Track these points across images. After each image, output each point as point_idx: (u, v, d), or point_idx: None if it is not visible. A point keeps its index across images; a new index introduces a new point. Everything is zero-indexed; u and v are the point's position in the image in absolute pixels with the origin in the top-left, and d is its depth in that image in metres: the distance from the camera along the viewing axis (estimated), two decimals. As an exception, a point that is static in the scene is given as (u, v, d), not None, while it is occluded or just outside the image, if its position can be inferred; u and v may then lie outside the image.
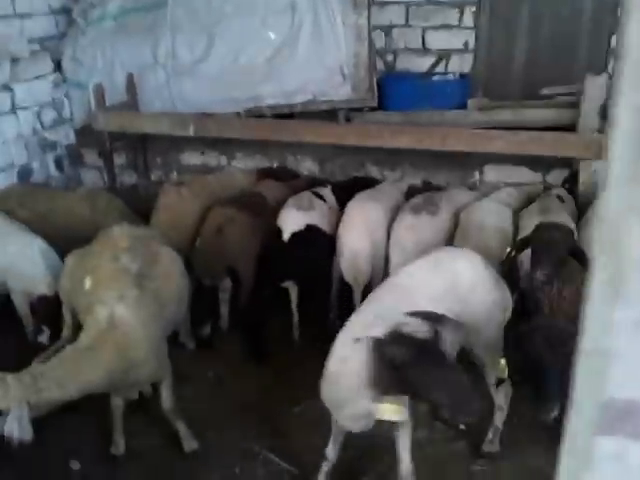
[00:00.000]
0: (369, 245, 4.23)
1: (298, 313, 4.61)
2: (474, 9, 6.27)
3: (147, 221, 4.71)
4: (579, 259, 3.19)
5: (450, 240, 4.36)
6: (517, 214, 4.52)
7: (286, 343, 4.60)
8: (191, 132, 5.50)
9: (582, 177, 5.00)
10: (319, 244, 4.41)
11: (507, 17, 6.24)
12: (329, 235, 4.45)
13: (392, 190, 4.91)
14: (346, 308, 4.43)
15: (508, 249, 3.57)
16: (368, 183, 5.42)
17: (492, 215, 4.24)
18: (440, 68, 6.50)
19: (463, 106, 5.94)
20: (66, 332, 3.79)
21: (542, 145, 4.97)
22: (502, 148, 5.03)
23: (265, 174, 5.52)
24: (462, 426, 3.59)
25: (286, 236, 4.32)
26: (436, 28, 6.44)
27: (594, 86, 5.19)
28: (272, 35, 5.96)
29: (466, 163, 5.63)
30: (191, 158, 6.46)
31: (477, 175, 5.68)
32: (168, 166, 6.54)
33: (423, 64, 6.55)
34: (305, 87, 5.90)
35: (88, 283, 3.31)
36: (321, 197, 4.71)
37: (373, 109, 5.91)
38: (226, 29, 6.05)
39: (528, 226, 4.13)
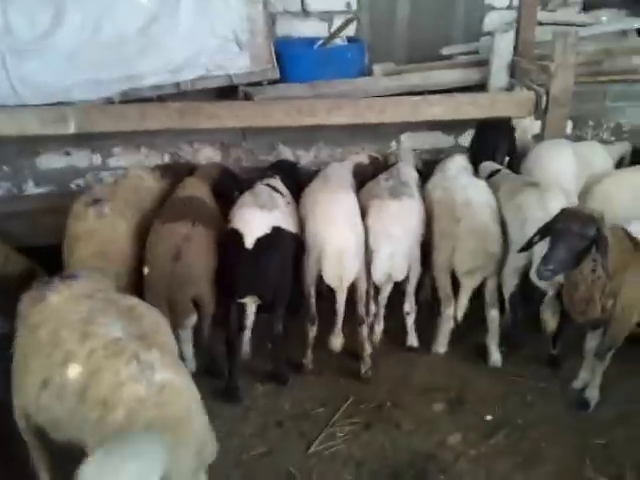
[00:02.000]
0: (354, 240, 3.55)
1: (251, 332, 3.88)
2: (354, -33, 5.71)
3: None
4: (598, 246, 2.97)
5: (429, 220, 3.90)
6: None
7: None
8: (72, 129, 4.16)
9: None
10: (287, 249, 3.60)
11: (388, -24, 5.79)
12: (294, 236, 3.67)
13: (344, 172, 4.22)
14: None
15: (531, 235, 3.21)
16: (293, 167, 4.69)
17: (475, 190, 3.84)
18: (323, 32, 5.85)
19: (363, 72, 5.43)
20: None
21: (478, 107, 4.68)
22: (441, 114, 4.62)
23: (172, 171, 4.41)
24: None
25: (250, 242, 3.43)
26: (316, -12, 5.74)
27: (502, 43, 5.03)
28: (142, 0, 4.76)
29: (382, 133, 5.16)
30: (51, 161, 4.97)
31: (394, 144, 5.24)
32: (20, 175, 4.97)
33: (304, 29, 5.82)
34: (195, 60, 4.81)
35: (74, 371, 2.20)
36: (277, 190, 3.86)
37: (273, 82, 5.10)
38: (79, -6, 4.68)
39: (512, 196, 3.84)
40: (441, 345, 4.00)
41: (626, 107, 5.33)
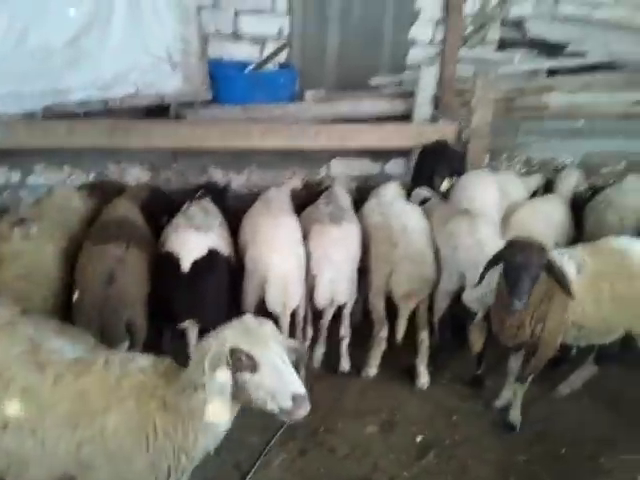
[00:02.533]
0: (297, 266, 3.56)
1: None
2: (287, -6, 5.78)
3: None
4: (555, 276, 3.14)
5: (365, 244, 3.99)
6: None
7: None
8: (-7, 143, 3.92)
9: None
10: (223, 271, 3.55)
11: (320, 4, 5.89)
12: (228, 258, 3.63)
13: (283, 197, 4.22)
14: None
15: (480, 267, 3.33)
16: (222, 189, 4.65)
17: (411, 217, 3.97)
18: (255, 56, 5.87)
19: (293, 97, 5.49)
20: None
21: (405, 137, 4.86)
22: (369, 141, 4.77)
23: (99, 190, 4.23)
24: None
25: (186, 265, 3.35)
26: (248, 12, 5.76)
27: (428, 76, 5.26)
28: (72, 11, 4.57)
29: (313, 158, 5.21)
30: (-38, 179, 4.66)
31: (324, 170, 5.31)
32: None
33: (236, 51, 5.82)
34: (125, 77, 4.70)
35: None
36: (208, 212, 3.79)
37: (206, 103, 5.04)
38: (4, 1, 4.43)
39: (444, 223, 4.01)
40: (372, 368, 4.07)
41: (535, 142, 5.70)
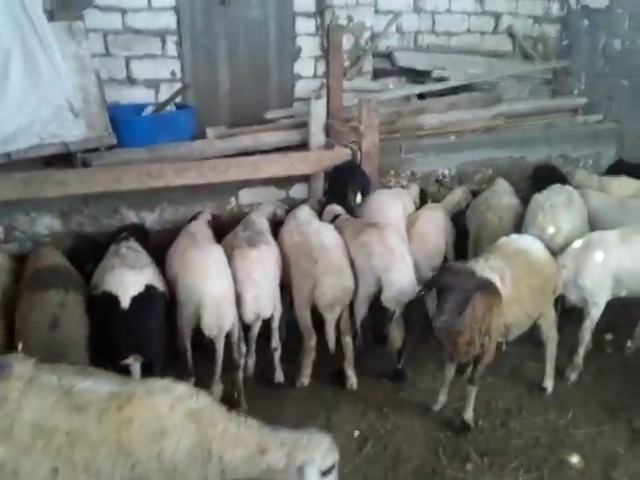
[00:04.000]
0: (229, 289, 3.81)
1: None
2: (175, 39, 6.03)
3: None
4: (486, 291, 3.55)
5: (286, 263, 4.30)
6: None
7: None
8: None
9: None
10: (161, 305, 3.71)
11: (208, 47, 6.19)
12: (163, 293, 3.80)
13: (204, 228, 4.44)
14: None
15: (418, 289, 3.78)
16: (143, 229, 4.79)
17: (327, 233, 4.34)
18: (150, 98, 6.04)
19: (194, 136, 5.72)
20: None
21: (308, 164, 5.27)
22: (277, 171, 5.12)
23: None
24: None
25: (125, 303, 3.49)
26: (140, 57, 5.94)
27: (318, 107, 5.71)
28: (-36, 70, 4.52)
29: (222, 191, 5.43)
30: None
31: (234, 200, 5.58)
32: None
33: (131, 95, 5.96)
34: (28, 130, 4.67)
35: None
36: (137, 252, 3.93)
37: (109, 147, 5.14)
38: None
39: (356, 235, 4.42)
40: (305, 377, 4.37)
41: (416, 158, 6.34)
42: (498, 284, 3.71)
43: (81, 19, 5.06)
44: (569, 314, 4.65)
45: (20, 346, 3.22)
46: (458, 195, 5.71)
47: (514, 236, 4.34)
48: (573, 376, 4.53)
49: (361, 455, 3.84)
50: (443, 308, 3.34)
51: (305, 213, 4.66)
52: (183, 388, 2.55)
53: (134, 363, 3.67)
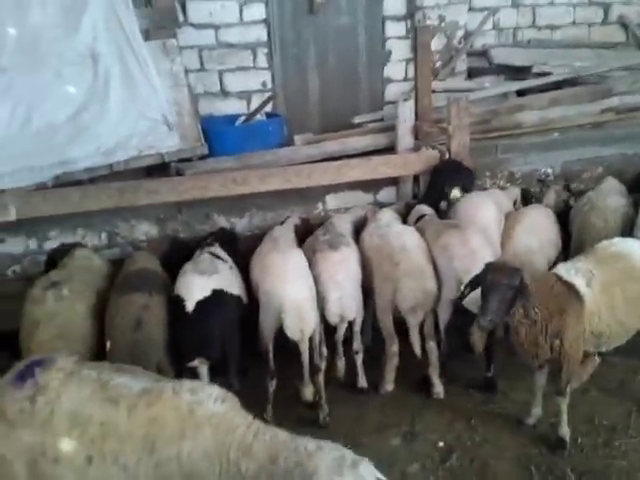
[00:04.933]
0: (309, 293, 3.83)
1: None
2: (266, 51, 6.23)
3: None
4: (523, 294, 3.32)
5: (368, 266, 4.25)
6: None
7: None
8: (12, 216, 4.22)
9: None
10: (229, 309, 3.79)
11: (297, 56, 6.35)
12: (237, 297, 3.90)
13: (288, 233, 4.53)
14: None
15: (462, 287, 3.60)
16: (233, 235, 4.94)
17: (408, 236, 4.26)
18: (243, 109, 6.28)
19: (283, 143, 5.85)
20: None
21: (392, 167, 5.20)
22: (360, 175, 5.11)
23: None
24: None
25: (190, 306, 3.61)
26: (232, 70, 6.20)
27: (406, 110, 5.63)
28: (71, 89, 4.96)
29: (309, 196, 5.50)
30: (-19, 250, 4.94)
31: (321, 205, 5.62)
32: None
33: (225, 107, 6.24)
34: (127, 143, 5.03)
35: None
36: (218, 257, 4.09)
37: (202, 157, 5.40)
38: (8, 87, 4.81)
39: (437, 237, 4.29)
40: (388, 383, 4.27)
41: (515, 157, 6.04)
42: (582, 288, 3.46)
43: (174, 37, 5.35)
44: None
45: (108, 345, 3.45)
46: (552, 197, 5.39)
47: (617, 239, 3.98)
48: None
49: (444, 467, 3.67)
50: (487, 307, 3.22)
51: (386, 216, 4.60)
52: (211, 390, 2.53)
53: (200, 366, 3.75)
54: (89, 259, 4.14)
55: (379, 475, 2.25)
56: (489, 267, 3.44)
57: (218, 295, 3.72)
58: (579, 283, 3.48)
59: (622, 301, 3.56)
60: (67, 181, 4.85)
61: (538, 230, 4.62)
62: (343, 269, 4.01)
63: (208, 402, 2.46)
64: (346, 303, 4.00)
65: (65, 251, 4.27)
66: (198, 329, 3.60)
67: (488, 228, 4.53)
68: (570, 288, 3.47)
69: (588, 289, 3.48)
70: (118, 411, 2.44)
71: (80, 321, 3.56)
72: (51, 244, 5.00)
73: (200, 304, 3.63)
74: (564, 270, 3.57)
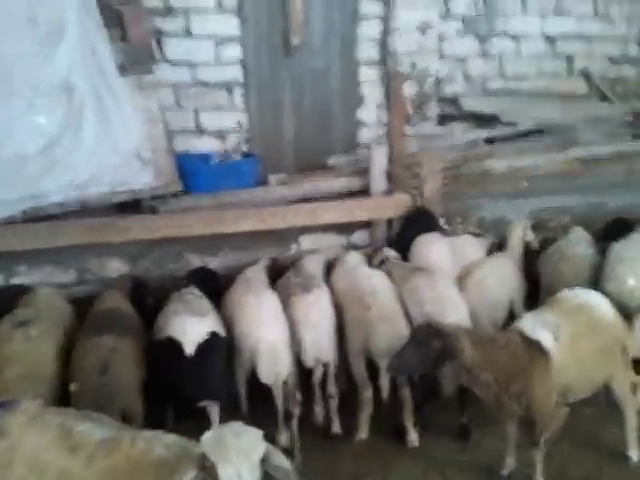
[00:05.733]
0: (283, 336, 3.79)
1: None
2: (242, 91, 6.27)
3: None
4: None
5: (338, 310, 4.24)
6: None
7: None
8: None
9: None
10: (223, 351, 3.73)
11: (273, 97, 6.40)
12: (227, 338, 3.83)
13: (261, 274, 4.50)
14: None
15: None
16: (212, 274, 4.88)
17: (378, 279, 4.28)
18: (217, 147, 6.27)
19: (258, 182, 5.85)
20: None
21: (365, 210, 5.26)
22: (334, 217, 5.14)
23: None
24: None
25: (190, 349, 3.52)
26: (208, 109, 6.20)
27: (379, 154, 5.73)
28: (43, 120, 4.87)
29: (283, 236, 5.50)
30: (-52, 286, 4.73)
31: (295, 246, 5.61)
32: None
33: (200, 144, 6.21)
34: (99, 178, 4.95)
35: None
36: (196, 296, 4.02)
37: (176, 194, 5.34)
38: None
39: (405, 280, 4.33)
40: (362, 431, 4.21)
41: (485, 204, 6.19)
42: (548, 343, 3.41)
43: (151, 73, 5.33)
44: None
45: (73, 387, 3.32)
46: (517, 234, 5.32)
47: (579, 290, 3.98)
48: None
49: (419, 520, 3.60)
50: (396, 354, 3.38)
51: (352, 259, 4.64)
52: (167, 438, 2.43)
53: (210, 407, 3.66)
54: (54, 298, 4.02)
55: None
56: (423, 323, 3.57)
57: (214, 337, 3.66)
58: (545, 338, 3.43)
59: (589, 353, 3.56)
60: (37, 216, 4.74)
61: (486, 288, 4.62)
62: (317, 311, 4.00)
63: (159, 449, 2.36)
64: (322, 345, 3.98)
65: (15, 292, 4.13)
66: (201, 373, 3.50)
67: (439, 269, 4.57)
68: (533, 346, 3.41)
69: (556, 342, 3.44)
70: (76, 460, 2.34)
71: (47, 362, 3.45)
72: (19, 279, 4.85)
73: (200, 347, 3.54)
74: (529, 326, 3.51)
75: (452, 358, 3.31)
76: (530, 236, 5.42)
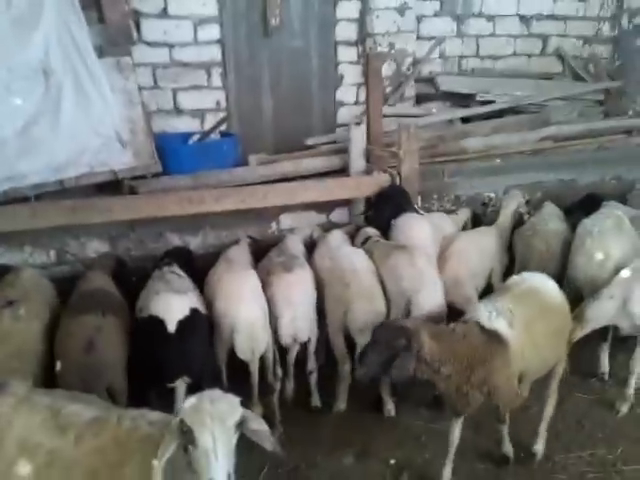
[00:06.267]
0: (261, 314, 3.88)
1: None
2: (221, 70, 6.28)
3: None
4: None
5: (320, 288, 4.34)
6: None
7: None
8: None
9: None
10: (205, 328, 3.81)
11: (252, 77, 6.42)
12: (206, 315, 3.91)
13: (243, 254, 4.57)
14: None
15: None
16: (188, 252, 4.94)
17: (358, 257, 4.38)
18: (196, 127, 6.30)
19: (237, 162, 5.90)
20: None
21: (345, 189, 5.34)
22: (314, 196, 5.21)
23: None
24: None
25: (172, 327, 3.57)
26: (186, 89, 6.21)
27: (358, 134, 5.80)
28: (20, 102, 4.85)
29: (263, 216, 5.56)
30: None
31: (274, 225, 5.69)
32: None
33: (178, 124, 6.24)
34: (79, 159, 4.95)
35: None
36: (179, 275, 4.09)
37: (155, 174, 5.37)
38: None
39: (385, 258, 4.43)
40: (341, 402, 4.36)
41: (460, 181, 6.31)
42: (505, 331, 3.40)
43: (129, 55, 5.33)
44: (622, 343, 4.47)
45: (58, 366, 3.38)
46: (511, 208, 5.52)
47: (525, 275, 3.95)
48: (624, 409, 4.34)
49: (396, 484, 3.77)
50: (363, 361, 3.36)
51: (336, 237, 4.73)
52: (153, 416, 2.50)
53: (180, 385, 3.71)
54: (38, 278, 4.05)
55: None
56: (381, 325, 3.60)
57: (195, 314, 3.72)
58: (501, 326, 3.42)
59: (543, 336, 3.56)
60: (15, 197, 4.74)
61: (469, 258, 4.80)
62: (297, 291, 4.09)
63: (145, 427, 2.44)
64: (299, 325, 4.08)
65: None
66: (182, 349, 3.57)
67: (424, 248, 4.69)
68: (491, 335, 3.40)
69: (511, 330, 3.42)
70: (66, 440, 2.42)
71: (35, 341, 3.50)
72: None
73: (181, 324, 3.60)
74: (485, 316, 3.47)
75: (413, 353, 3.25)
76: (524, 208, 5.60)
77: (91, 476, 2.36)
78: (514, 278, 3.94)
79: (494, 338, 3.39)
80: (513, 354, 3.40)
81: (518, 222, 5.55)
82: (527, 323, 3.51)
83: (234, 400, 2.33)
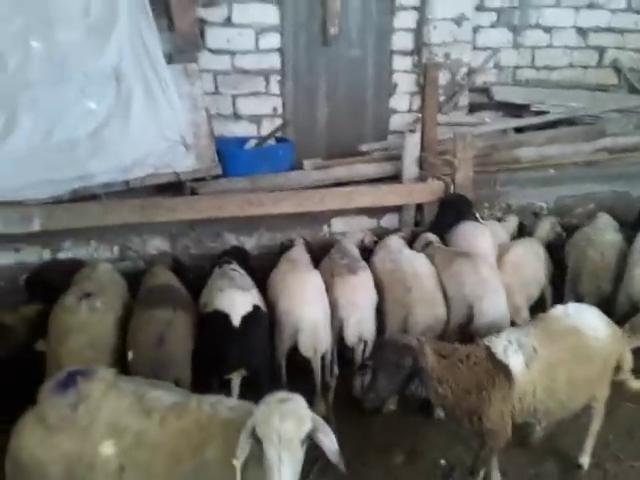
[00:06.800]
0: (324, 314, 4.00)
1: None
2: (279, 78, 6.49)
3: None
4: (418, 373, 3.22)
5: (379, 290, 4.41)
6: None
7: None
8: (37, 227, 4.37)
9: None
10: (265, 325, 3.95)
11: (309, 85, 6.61)
12: (266, 313, 4.07)
13: (304, 255, 4.72)
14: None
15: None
16: (245, 252, 5.12)
17: (420, 262, 4.46)
18: (253, 132, 6.51)
19: (292, 167, 6.08)
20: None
21: (398, 195, 5.45)
22: (369, 201, 5.34)
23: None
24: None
25: (237, 321, 3.74)
26: (245, 95, 6.44)
27: (412, 141, 5.90)
28: (93, 105, 5.14)
29: (316, 219, 5.71)
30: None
31: (326, 228, 5.84)
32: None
33: (236, 129, 6.47)
34: (144, 161, 5.21)
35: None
36: (241, 274, 4.27)
37: (215, 177, 5.60)
38: (32, 101, 4.97)
39: (448, 265, 4.48)
40: (392, 403, 4.44)
41: (512, 191, 6.32)
42: (516, 369, 3.21)
43: (195, 61, 5.58)
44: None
45: (130, 356, 3.58)
46: (546, 227, 5.65)
47: (572, 308, 3.61)
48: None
49: (447, 484, 3.84)
50: (372, 385, 3.27)
51: (396, 242, 4.81)
52: (228, 402, 2.66)
53: (236, 378, 3.85)
54: (112, 273, 4.29)
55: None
56: (383, 344, 3.52)
57: (257, 310, 3.88)
58: (514, 363, 3.23)
59: (565, 382, 3.32)
60: (83, 195, 5.02)
61: (524, 267, 4.84)
62: (362, 293, 4.18)
63: (225, 412, 2.60)
64: (364, 326, 4.17)
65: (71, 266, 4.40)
66: (244, 343, 3.73)
67: (486, 256, 4.74)
68: (499, 368, 3.22)
69: (525, 369, 3.23)
70: (151, 422, 2.58)
71: (109, 332, 3.69)
72: (64, 255, 5.15)
73: (244, 319, 3.76)
74: (501, 345, 3.30)
75: (419, 369, 3.18)
76: (559, 229, 5.66)
77: (174, 457, 2.50)
78: (559, 310, 3.61)
79: (501, 370, 3.21)
80: (519, 393, 3.22)
81: (556, 239, 5.66)
82: (550, 366, 3.28)
83: (304, 413, 2.39)
